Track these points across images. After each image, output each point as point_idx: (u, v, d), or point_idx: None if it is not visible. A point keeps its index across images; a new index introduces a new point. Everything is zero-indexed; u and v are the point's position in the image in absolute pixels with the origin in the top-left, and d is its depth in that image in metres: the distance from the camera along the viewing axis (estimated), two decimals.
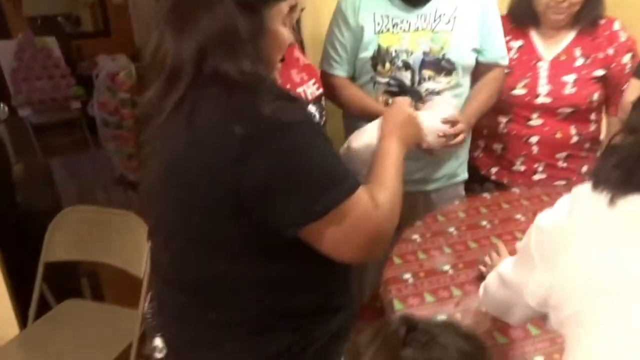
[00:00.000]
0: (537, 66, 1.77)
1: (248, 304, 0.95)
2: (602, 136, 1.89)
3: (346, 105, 1.76)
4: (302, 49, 1.93)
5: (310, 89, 1.57)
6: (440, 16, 1.62)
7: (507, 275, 0.92)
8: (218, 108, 0.85)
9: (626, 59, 1.75)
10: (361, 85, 1.72)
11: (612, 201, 0.69)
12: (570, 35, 1.78)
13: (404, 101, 1.29)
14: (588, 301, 0.69)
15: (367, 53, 1.66)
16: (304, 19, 1.98)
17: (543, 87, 1.76)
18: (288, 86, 1.49)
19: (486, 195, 1.78)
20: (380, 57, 1.64)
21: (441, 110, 1.51)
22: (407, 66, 1.63)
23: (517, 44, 1.81)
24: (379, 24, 1.64)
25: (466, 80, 1.70)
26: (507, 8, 1.83)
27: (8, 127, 4.28)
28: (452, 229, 1.57)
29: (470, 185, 1.90)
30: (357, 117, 1.65)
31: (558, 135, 1.80)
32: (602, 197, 0.70)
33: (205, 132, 0.85)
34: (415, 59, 1.62)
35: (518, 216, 1.62)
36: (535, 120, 1.81)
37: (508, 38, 1.80)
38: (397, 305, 1.25)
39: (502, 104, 1.80)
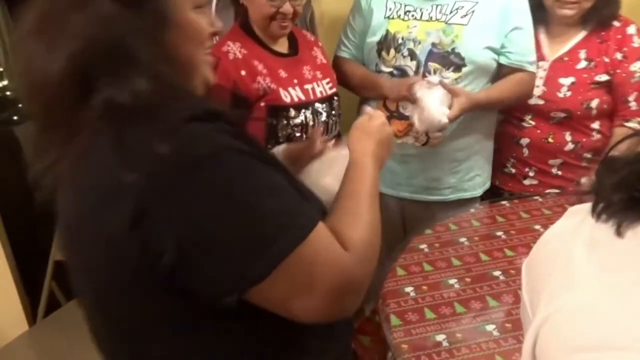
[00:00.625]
0: (537, 66, 1.67)
1: None
2: None
3: (348, 80, 1.70)
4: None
5: (321, 87, 1.53)
6: (457, 9, 1.56)
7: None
8: (106, 154, 0.62)
9: (636, 66, 1.63)
10: None
11: (619, 232, 0.55)
12: (579, 36, 1.68)
13: (377, 113, 1.01)
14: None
15: (375, 38, 1.62)
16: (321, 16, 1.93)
17: (538, 89, 1.68)
18: (295, 81, 1.47)
19: (505, 202, 1.67)
20: (386, 43, 1.59)
21: (440, 93, 1.45)
22: (412, 56, 1.57)
23: None
24: (390, 9, 1.61)
25: (480, 82, 1.60)
26: None
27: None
28: (463, 239, 1.48)
29: None
30: (360, 93, 1.70)
31: (550, 140, 1.71)
32: (607, 226, 0.57)
33: (92, 192, 0.64)
34: (422, 50, 1.56)
35: (537, 227, 1.51)
36: (528, 122, 1.73)
37: None
38: (394, 320, 1.17)
39: None
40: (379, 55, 1.61)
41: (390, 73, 1.60)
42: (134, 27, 0.63)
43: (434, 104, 1.45)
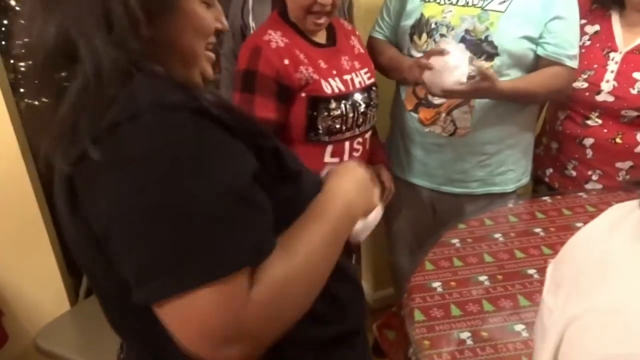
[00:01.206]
0: (608, 57, 1.53)
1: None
2: None
3: (377, 61, 1.63)
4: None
5: (360, 78, 1.50)
6: None
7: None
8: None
9: None
10: None
11: None
12: None
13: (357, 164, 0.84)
14: None
15: (409, 21, 1.57)
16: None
17: (608, 83, 1.51)
18: (334, 72, 1.44)
19: (546, 198, 1.59)
20: (419, 27, 1.54)
21: (464, 53, 1.37)
22: None
23: (592, 29, 1.59)
24: None
25: (514, 73, 1.51)
26: None
27: None
28: (498, 235, 1.42)
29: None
30: (388, 75, 1.67)
31: (618, 141, 1.54)
32: None
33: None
34: (454, 36, 1.49)
35: (579, 225, 1.42)
36: (594, 120, 1.56)
37: (583, 22, 1.59)
38: (418, 316, 1.13)
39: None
40: (411, 39, 1.57)
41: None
42: (134, 12, 0.62)
43: (457, 57, 1.35)
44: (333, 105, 1.41)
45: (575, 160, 1.64)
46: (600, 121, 1.56)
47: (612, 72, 1.52)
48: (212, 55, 0.77)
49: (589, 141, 1.59)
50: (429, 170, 1.65)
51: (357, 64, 1.50)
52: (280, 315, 0.63)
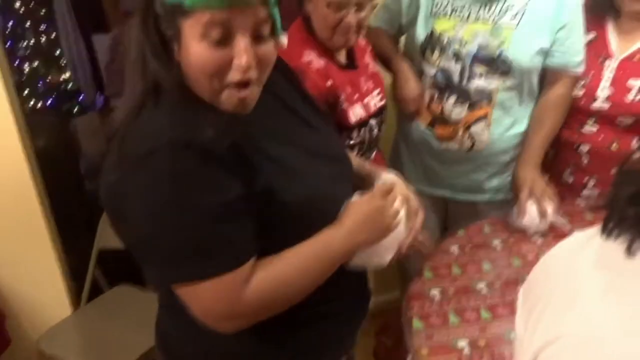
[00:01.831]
0: (603, 65, 1.53)
1: None
2: None
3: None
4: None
5: (374, 100, 1.48)
6: (507, 8, 1.45)
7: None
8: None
9: None
10: None
11: (629, 250, 0.52)
12: None
13: (389, 194, 0.94)
14: None
15: (419, 36, 1.54)
16: None
17: (603, 90, 1.52)
18: (357, 96, 1.42)
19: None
20: (431, 42, 1.52)
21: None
22: (457, 57, 1.48)
23: (588, 37, 1.59)
24: (437, 4, 1.51)
25: (530, 83, 1.52)
26: None
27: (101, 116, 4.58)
28: (497, 242, 1.43)
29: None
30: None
31: (614, 148, 1.54)
32: (617, 245, 0.53)
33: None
34: (468, 51, 1.47)
35: (578, 232, 1.43)
36: (590, 127, 1.56)
37: None
38: (416, 324, 1.14)
39: None
40: (423, 54, 1.54)
41: (434, 76, 1.53)
42: (155, 46, 0.77)
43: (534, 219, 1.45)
44: (354, 134, 1.42)
45: (571, 167, 1.65)
46: (596, 128, 1.56)
47: (607, 79, 1.52)
48: (236, 93, 0.78)
49: (585, 148, 1.59)
50: (441, 181, 1.66)
51: (371, 84, 1.49)
52: (267, 307, 0.83)
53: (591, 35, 1.57)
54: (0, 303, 1.82)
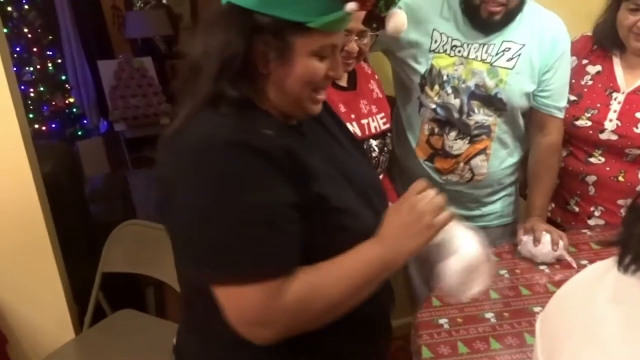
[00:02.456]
0: (611, 97, 1.57)
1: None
2: None
3: None
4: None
5: (376, 123, 1.51)
6: (504, 51, 1.51)
7: None
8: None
9: None
10: (405, 106, 1.65)
11: None
12: None
13: (422, 191, 0.88)
14: None
15: (419, 71, 1.56)
16: None
17: (611, 122, 1.55)
18: (353, 116, 1.45)
19: None
20: (430, 77, 1.55)
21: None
22: (456, 93, 1.53)
23: (594, 69, 1.63)
24: (436, 41, 1.54)
25: (516, 120, 1.59)
26: (591, 28, 1.64)
27: (105, 140, 4.61)
28: (504, 272, 1.43)
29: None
30: None
31: (620, 179, 1.57)
32: (633, 280, 0.53)
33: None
34: (465, 89, 1.52)
35: (584, 262, 1.44)
36: (597, 158, 1.59)
37: (586, 62, 1.63)
38: (425, 353, 1.14)
39: (563, 134, 1.62)
40: (422, 89, 1.57)
41: (434, 110, 1.57)
42: (259, 52, 0.79)
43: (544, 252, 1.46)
44: None
45: (577, 197, 1.66)
46: (603, 159, 1.58)
47: (615, 111, 1.55)
48: (319, 96, 0.88)
49: (591, 178, 1.61)
50: None
51: (374, 108, 1.51)
52: (302, 316, 0.80)
53: (597, 68, 1.61)
54: (2, 326, 1.81)
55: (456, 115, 1.54)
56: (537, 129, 1.61)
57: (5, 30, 3.59)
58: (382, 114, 1.53)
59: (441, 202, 0.86)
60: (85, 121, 4.69)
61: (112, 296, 2.04)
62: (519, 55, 1.51)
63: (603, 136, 1.56)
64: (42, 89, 3.94)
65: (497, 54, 1.51)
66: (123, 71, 4.79)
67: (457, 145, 1.56)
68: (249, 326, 0.79)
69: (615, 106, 1.56)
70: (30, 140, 1.79)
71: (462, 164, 1.58)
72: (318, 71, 0.83)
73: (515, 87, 1.51)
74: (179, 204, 0.77)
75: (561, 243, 1.45)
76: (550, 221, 1.72)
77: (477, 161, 1.58)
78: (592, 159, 1.60)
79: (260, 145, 0.76)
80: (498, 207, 1.70)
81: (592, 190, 1.62)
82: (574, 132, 1.61)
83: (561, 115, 1.58)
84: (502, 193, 1.69)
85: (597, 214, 1.64)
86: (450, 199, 1.61)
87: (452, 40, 1.53)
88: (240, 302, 0.77)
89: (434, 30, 1.54)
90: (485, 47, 1.51)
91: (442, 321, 1.24)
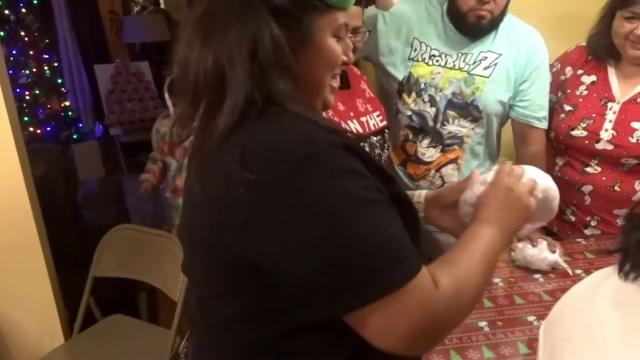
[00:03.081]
0: (606, 107, 1.56)
1: None
2: None
3: None
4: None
5: (374, 120, 1.52)
6: (481, 60, 1.55)
7: None
8: (234, 146, 0.68)
9: None
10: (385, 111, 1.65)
11: None
12: None
13: (512, 172, 0.88)
14: None
15: (397, 78, 1.59)
16: None
17: (607, 132, 1.54)
18: (352, 114, 1.46)
19: None
20: (408, 85, 1.58)
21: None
22: (432, 102, 1.56)
23: (589, 79, 1.62)
24: (415, 49, 1.58)
25: (494, 130, 1.62)
26: (586, 38, 1.64)
27: (100, 145, 4.59)
28: (498, 280, 1.42)
29: None
30: None
31: (616, 189, 1.56)
32: (633, 286, 0.54)
33: (215, 182, 0.71)
34: (442, 97, 1.55)
35: (578, 272, 1.43)
36: (593, 168, 1.58)
37: (581, 72, 1.63)
38: None
39: (559, 144, 1.63)
40: (400, 96, 1.60)
41: (410, 117, 1.60)
42: (279, 39, 0.70)
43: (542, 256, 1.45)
44: None
45: (573, 206, 1.65)
46: (599, 169, 1.58)
47: (610, 121, 1.55)
48: (335, 85, 0.83)
49: (587, 188, 1.60)
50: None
51: (369, 107, 1.53)
52: (460, 310, 0.73)
53: (592, 78, 1.61)
54: None
55: (430, 123, 1.57)
56: (520, 141, 1.64)
57: (1, 33, 3.61)
58: (378, 112, 1.55)
59: (532, 182, 0.89)
60: (80, 125, 4.67)
61: (104, 302, 2.02)
62: (496, 64, 1.54)
63: (599, 146, 1.55)
64: (37, 92, 3.93)
65: (474, 62, 1.55)
66: (119, 75, 4.79)
67: (429, 152, 1.60)
68: (416, 335, 0.67)
69: (610, 116, 1.55)
70: (22, 143, 1.77)
71: (433, 171, 1.61)
72: (338, 51, 0.78)
73: (491, 95, 1.54)
74: (291, 221, 0.65)
75: (557, 249, 1.44)
76: (547, 230, 1.72)
77: (448, 169, 1.61)
78: (588, 169, 1.60)
79: (354, 144, 0.70)
80: None
81: (588, 200, 1.61)
82: (569, 142, 1.60)
83: (541, 125, 1.61)
84: None
85: (593, 223, 1.63)
86: None
87: (431, 49, 1.57)
88: (403, 312, 0.65)
89: (414, 38, 1.58)
90: (464, 56, 1.55)
91: None
